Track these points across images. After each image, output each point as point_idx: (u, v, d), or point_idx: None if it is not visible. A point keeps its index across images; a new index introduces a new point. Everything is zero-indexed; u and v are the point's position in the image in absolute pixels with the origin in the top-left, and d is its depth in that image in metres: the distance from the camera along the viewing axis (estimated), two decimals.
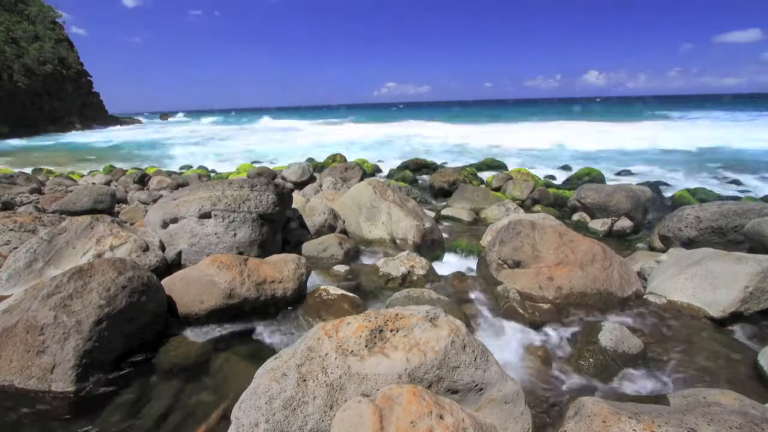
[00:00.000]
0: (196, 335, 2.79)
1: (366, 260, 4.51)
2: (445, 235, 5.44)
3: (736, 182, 9.88)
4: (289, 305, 3.16)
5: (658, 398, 2.20)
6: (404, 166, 11.79)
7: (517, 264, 3.70)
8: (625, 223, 5.99)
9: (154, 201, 6.52)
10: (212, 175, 11.79)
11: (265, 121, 47.85)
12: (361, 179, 8.65)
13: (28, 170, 12.11)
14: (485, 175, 10.26)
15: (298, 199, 5.65)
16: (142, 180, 9.48)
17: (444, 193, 8.72)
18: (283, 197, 4.40)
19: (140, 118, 66.79)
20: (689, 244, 4.65)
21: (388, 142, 21.71)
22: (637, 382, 2.47)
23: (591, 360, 2.58)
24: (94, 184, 8.19)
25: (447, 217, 6.70)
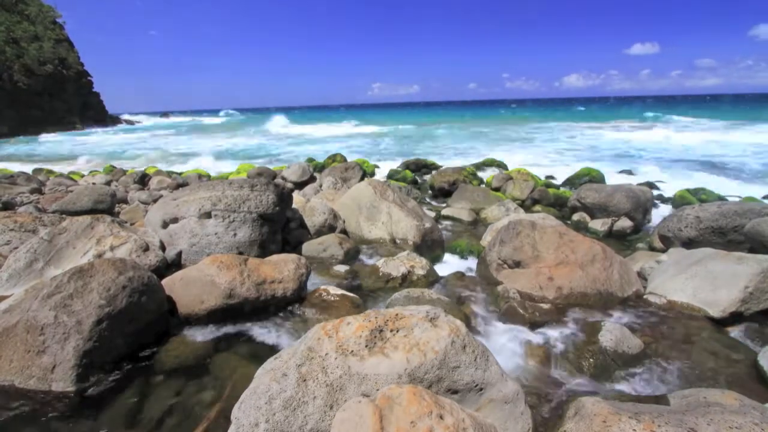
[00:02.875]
0: (196, 335, 2.79)
1: (366, 260, 4.51)
2: (445, 235, 5.43)
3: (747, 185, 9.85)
4: (289, 305, 3.16)
5: (658, 398, 2.20)
6: (404, 166, 11.79)
7: (517, 264, 3.70)
8: (625, 223, 5.99)
9: (155, 201, 6.52)
10: (212, 174, 11.79)
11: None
12: (361, 179, 8.65)
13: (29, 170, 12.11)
14: (485, 175, 10.27)
15: (298, 199, 5.66)
16: (143, 180, 9.48)
17: (444, 193, 8.73)
18: (283, 197, 4.40)
19: (140, 118, 66.50)
20: (689, 244, 4.64)
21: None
22: (638, 382, 2.47)
23: (591, 360, 2.58)
24: (94, 184, 8.19)
25: (447, 217, 6.70)
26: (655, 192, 8.24)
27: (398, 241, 4.78)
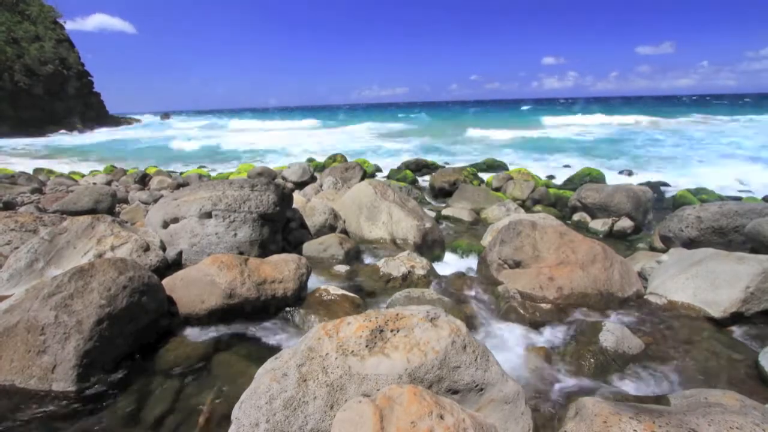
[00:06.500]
0: (196, 335, 2.79)
1: (366, 260, 4.51)
2: (445, 235, 5.43)
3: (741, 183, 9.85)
4: (290, 305, 3.16)
5: (659, 398, 2.20)
6: (405, 166, 11.80)
7: (518, 264, 3.70)
8: (625, 223, 5.99)
9: (155, 201, 6.53)
10: (212, 174, 11.80)
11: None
12: (362, 179, 8.65)
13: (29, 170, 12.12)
14: (486, 176, 10.27)
15: (298, 199, 5.66)
16: (143, 180, 9.49)
17: (444, 193, 8.73)
18: (284, 197, 4.40)
19: (140, 118, 66.58)
20: (690, 244, 4.64)
21: None
22: (638, 383, 2.47)
23: (592, 360, 2.58)
24: (94, 184, 8.20)
25: (447, 217, 6.69)
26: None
27: (399, 241, 4.78)
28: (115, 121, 51.80)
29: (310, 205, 5.17)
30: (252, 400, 1.70)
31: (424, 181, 10.52)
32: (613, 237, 5.92)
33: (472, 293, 3.56)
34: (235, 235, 3.87)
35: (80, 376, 2.23)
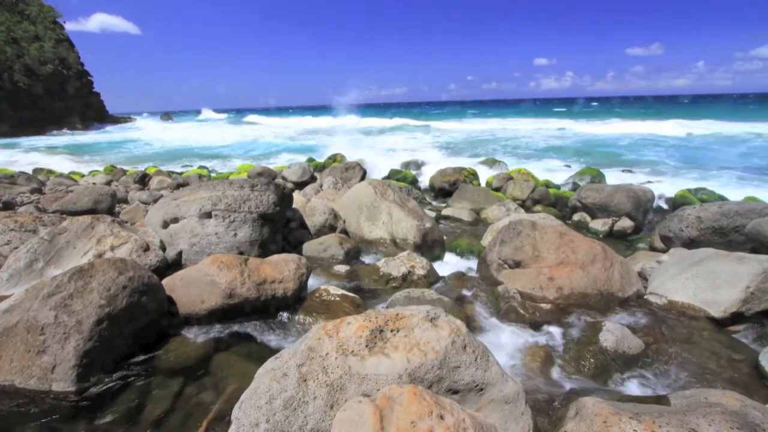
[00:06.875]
0: (196, 335, 2.79)
1: (366, 260, 4.51)
2: (445, 235, 5.43)
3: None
4: (290, 305, 3.16)
5: (659, 398, 2.19)
6: (405, 166, 11.79)
7: (518, 264, 3.69)
8: (625, 223, 5.99)
9: (155, 201, 6.52)
10: (212, 174, 11.80)
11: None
12: (362, 179, 8.65)
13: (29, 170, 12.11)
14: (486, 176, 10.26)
15: (298, 199, 5.65)
16: (143, 180, 9.48)
17: (444, 193, 8.73)
18: (284, 197, 4.40)
19: (138, 118, 66.48)
20: (690, 244, 4.64)
21: None
22: (638, 383, 2.47)
23: (592, 360, 2.58)
24: (94, 184, 8.19)
25: (447, 217, 6.70)
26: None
27: (399, 241, 4.78)
28: (115, 120, 51.74)
29: (310, 205, 5.17)
30: (252, 400, 1.70)
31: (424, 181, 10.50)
32: (613, 237, 5.92)
33: (472, 293, 3.56)
34: (235, 235, 3.87)
35: (80, 376, 2.23)
